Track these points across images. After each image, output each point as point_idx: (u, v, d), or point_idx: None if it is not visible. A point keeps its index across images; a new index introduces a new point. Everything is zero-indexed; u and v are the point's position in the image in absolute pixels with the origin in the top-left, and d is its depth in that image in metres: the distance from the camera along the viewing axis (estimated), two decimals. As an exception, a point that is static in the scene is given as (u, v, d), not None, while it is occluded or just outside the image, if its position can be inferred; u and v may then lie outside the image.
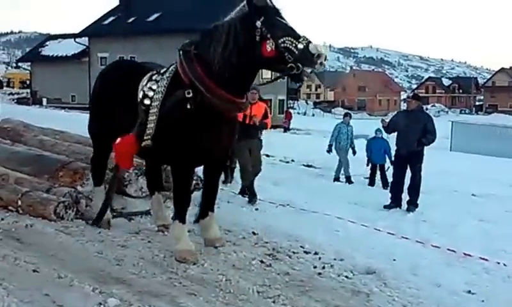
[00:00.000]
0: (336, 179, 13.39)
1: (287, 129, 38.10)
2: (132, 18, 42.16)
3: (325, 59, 4.66)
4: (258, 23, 4.69)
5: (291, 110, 46.50)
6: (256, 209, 8.05)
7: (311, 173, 14.50)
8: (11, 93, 32.53)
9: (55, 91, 42.87)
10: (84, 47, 45.01)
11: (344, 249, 6.10)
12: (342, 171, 13.47)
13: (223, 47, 4.81)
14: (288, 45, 4.61)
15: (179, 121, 4.89)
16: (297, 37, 4.65)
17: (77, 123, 11.98)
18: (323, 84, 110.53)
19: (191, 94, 4.84)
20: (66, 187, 6.22)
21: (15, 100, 27.17)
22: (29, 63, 52.34)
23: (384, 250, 6.32)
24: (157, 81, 5.10)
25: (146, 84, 5.15)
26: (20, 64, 58.18)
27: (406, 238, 7.16)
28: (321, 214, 8.01)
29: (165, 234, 5.73)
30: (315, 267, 5.34)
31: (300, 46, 4.59)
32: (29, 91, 47.12)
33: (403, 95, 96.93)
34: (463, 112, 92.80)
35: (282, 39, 4.62)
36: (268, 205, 8.35)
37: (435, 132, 9.63)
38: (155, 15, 41.12)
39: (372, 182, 13.30)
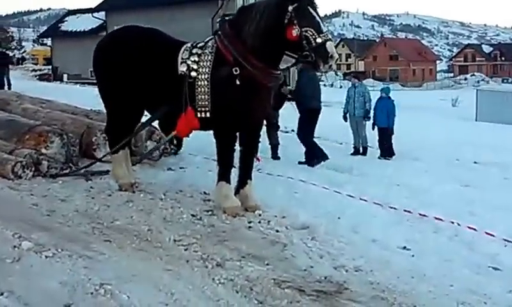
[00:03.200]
0: (356, 150, 12.76)
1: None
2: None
3: (335, 62, 5.37)
4: (290, 8, 5.28)
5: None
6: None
7: None
8: (33, 70, 33.32)
9: (75, 67, 42.77)
10: (102, 22, 44.95)
11: (292, 208, 6.16)
12: (361, 141, 12.78)
13: (256, 25, 5.44)
14: (308, 35, 5.23)
15: (229, 95, 5.47)
16: (319, 31, 5.26)
17: (84, 96, 12.39)
18: (353, 53, 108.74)
19: (238, 72, 5.43)
20: (29, 149, 6.71)
21: (37, 77, 27.94)
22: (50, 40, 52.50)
23: (334, 210, 6.34)
24: (199, 55, 5.63)
25: (188, 57, 5.64)
26: (44, 41, 58.64)
27: (364, 200, 7.11)
28: (285, 177, 8.12)
29: (124, 192, 6.15)
30: (249, 222, 5.58)
31: (319, 40, 5.22)
32: (50, 67, 47.67)
33: (439, 64, 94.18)
34: (505, 81, 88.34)
35: (305, 29, 5.23)
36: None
37: None
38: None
39: (382, 151, 12.60)
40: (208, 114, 5.64)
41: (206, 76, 5.59)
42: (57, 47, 49.13)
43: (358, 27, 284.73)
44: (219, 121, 5.69)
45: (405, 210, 6.62)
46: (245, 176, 6.05)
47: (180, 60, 5.72)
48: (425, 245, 5.44)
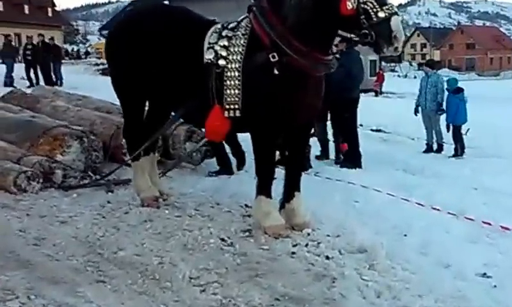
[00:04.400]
0: (428, 147, 11.44)
1: (378, 93, 36.11)
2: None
3: (402, 46, 4.12)
4: None
5: (383, 72, 43.88)
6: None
7: (372, 138, 13.11)
8: (96, 64, 33.29)
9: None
10: (165, 13, 45.12)
11: (349, 222, 5.11)
12: (435, 137, 11.47)
13: None
14: (368, 8, 4.04)
15: (265, 89, 4.34)
16: (382, 3, 4.06)
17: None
18: (429, 42, 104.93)
19: (276, 58, 4.27)
20: (42, 155, 5.79)
21: (100, 71, 27.73)
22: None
23: (400, 224, 5.30)
24: (229, 38, 4.49)
25: (216, 42, 4.51)
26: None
27: (437, 209, 6.04)
28: (345, 183, 7.01)
29: (145, 207, 5.12)
30: (294, 246, 4.44)
31: (381, 14, 4.02)
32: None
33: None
34: None
35: (364, 0, 4.04)
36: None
37: None
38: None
39: (456, 149, 11.22)
40: (237, 113, 4.46)
41: (237, 65, 4.41)
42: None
43: (434, 15, 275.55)
44: (254, 122, 4.52)
45: (484, 222, 5.56)
46: (291, 187, 4.86)
47: (206, 45, 4.57)
48: (510, 271, 4.26)
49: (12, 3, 57.48)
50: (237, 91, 4.41)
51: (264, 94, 4.35)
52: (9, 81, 20.13)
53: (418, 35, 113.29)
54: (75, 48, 68.30)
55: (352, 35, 4.34)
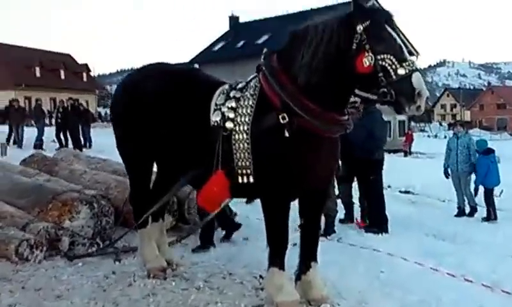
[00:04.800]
0: (460, 210, 10.84)
1: (407, 153, 35.70)
2: (241, 42, 42.71)
3: (425, 103, 3.76)
4: (360, 28, 3.82)
5: (412, 132, 43.41)
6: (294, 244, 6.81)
7: (400, 200, 12.66)
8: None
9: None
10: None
11: (372, 296, 4.77)
12: (466, 200, 10.89)
13: (313, 54, 3.98)
14: (386, 65, 3.75)
15: (275, 152, 4.04)
16: (401, 59, 3.76)
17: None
18: (459, 103, 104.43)
19: (286, 119, 3.98)
20: (49, 221, 5.57)
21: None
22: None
23: (428, 297, 4.88)
24: (237, 99, 4.24)
25: (223, 103, 4.27)
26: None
27: (469, 280, 5.61)
28: (369, 250, 6.60)
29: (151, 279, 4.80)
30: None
31: (401, 71, 3.72)
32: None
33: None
34: None
35: (382, 56, 3.76)
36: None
37: None
38: (265, 37, 41.11)
39: (488, 212, 10.59)
40: (251, 178, 4.15)
41: (245, 127, 4.13)
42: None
43: (463, 76, 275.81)
44: (265, 187, 4.18)
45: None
46: (307, 257, 4.49)
47: (213, 107, 4.32)
48: None
49: (48, 69, 59.45)
50: (247, 155, 4.12)
51: (274, 158, 4.04)
52: (39, 144, 20.45)
53: (448, 95, 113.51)
54: (108, 112, 69.95)
55: (370, 94, 4.03)
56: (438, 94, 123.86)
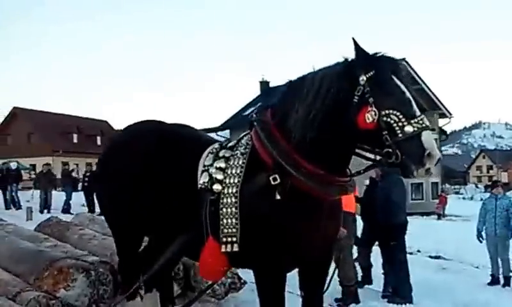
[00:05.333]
0: (494, 279, 10.07)
1: (440, 215, 34.71)
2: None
3: (435, 164, 3.33)
4: (363, 79, 3.39)
5: (445, 195, 42.31)
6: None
7: (430, 266, 12.06)
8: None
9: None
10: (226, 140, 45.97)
11: None
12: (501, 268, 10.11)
13: (308, 107, 3.56)
14: (392, 122, 3.30)
15: (264, 217, 3.63)
16: (410, 115, 3.31)
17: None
18: (495, 165, 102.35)
19: (278, 180, 3.56)
20: (41, 291, 5.24)
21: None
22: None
23: None
24: (226, 159, 3.86)
25: (212, 164, 3.89)
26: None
27: None
28: None
29: None
30: None
31: (408, 129, 3.26)
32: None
33: None
34: None
35: (388, 111, 3.31)
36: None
37: None
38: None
39: None
40: (235, 247, 3.70)
41: (234, 189, 3.71)
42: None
43: (500, 137, 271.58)
44: (255, 258, 3.75)
45: None
46: None
47: (200, 168, 3.95)
48: None
49: (86, 135, 61.03)
50: (234, 221, 3.67)
51: (264, 224, 3.61)
52: (66, 208, 20.55)
53: (484, 157, 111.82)
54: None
55: (374, 154, 3.61)
56: (473, 156, 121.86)
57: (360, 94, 3.40)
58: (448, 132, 46.51)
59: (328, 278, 4.24)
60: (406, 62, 37.85)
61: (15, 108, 59.59)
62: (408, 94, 3.39)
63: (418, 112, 3.34)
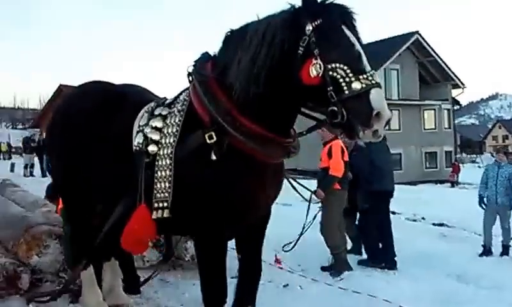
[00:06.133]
0: (485, 249, 9.52)
1: (454, 183, 34.46)
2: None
3: (384, 126, 2.92)
4: (309, 29, 3.02)
5: (459, 164, 41.76)
6: (285, 285, 6.21)
7: (430, 233, 11.65)
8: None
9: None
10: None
11: None
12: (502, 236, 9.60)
13: (251, 59, 3.19)
14: (338, 77, 2.91)
15: (198, 179, 3.33)
16: (358, 70, 2.93)
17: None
18: (511, 134, 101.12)
19: (214, 139, 3.27)
20: (13, 257, 5.16)
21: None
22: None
23: None
24: (163, 117, 3.54)
25: (147, 123, 3.58)
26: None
27: None
28: (364, 295, 5.80)
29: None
30: None
31: (356, 85, 2.88)
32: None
33: None
34: None
35: (334, 65, 2.93)
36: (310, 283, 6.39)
37: None
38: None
39: None
40: (166, 213, 3.40)
41: (169, 150, 3.40)
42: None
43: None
44: (190, 223, 3.47)
45: None
46: (243, 298, 3.77)
47: (136, 129, 3.64)
48: None
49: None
50: (167, 184, 3.37)
51: (198, 187, 3.33)
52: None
53: (500, 127, 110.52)
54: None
55: (319, 113, 3.25)
56: (490, 127, 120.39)
57: (304, 45, 3.03)
58: (464, 104, 45.63)
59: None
60: (418, 33, 37.30)
61: (61, 85, 59.61)
62: (357, 46, 3.00)
63: (368, 68, 2.96)
